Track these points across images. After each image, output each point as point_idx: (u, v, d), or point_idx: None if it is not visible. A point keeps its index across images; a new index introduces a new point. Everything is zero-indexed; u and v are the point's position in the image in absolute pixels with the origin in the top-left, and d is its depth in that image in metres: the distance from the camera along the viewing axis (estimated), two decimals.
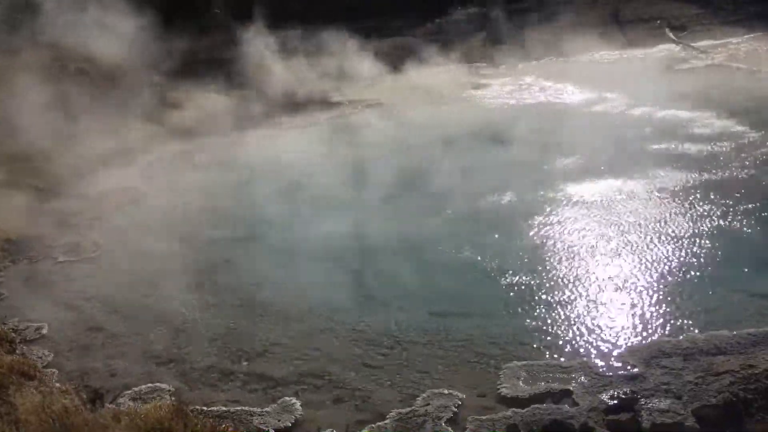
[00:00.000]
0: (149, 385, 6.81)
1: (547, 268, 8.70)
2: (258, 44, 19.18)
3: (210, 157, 14.69)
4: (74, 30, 16.08)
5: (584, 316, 7.61)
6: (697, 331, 7.07)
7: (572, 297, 8.00)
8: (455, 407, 6.22)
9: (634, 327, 7.32)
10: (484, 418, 6.06)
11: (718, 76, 18.12)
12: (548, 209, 10.45)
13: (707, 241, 9.00)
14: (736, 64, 19.16)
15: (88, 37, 16.28)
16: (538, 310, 7.77)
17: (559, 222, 9.98)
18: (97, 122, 14.63)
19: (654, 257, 8.72)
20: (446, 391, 6.43)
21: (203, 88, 18.10)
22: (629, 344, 7.00)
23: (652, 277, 8.28)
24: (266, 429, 6.13)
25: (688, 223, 9.58)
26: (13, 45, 15.55)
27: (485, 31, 22.75)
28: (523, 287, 8.28)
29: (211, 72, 18.85)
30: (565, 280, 8.38)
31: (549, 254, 9.06)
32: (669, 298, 7.77)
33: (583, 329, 7.35)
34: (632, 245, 9.08)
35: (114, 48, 16.40)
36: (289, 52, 19.53)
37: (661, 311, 7.56)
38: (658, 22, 24.59)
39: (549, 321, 7.54)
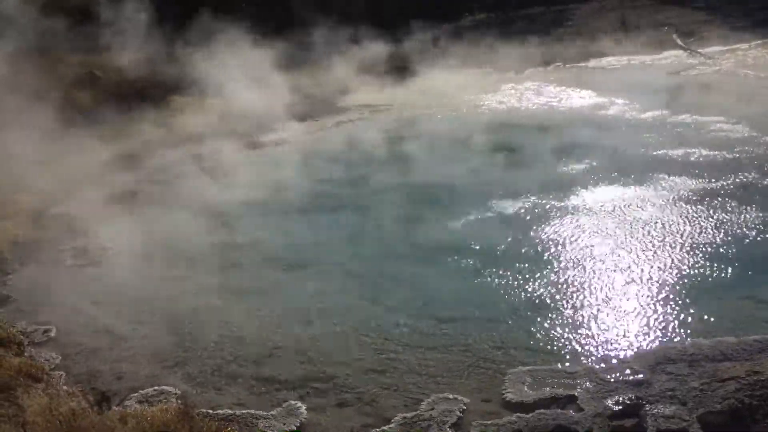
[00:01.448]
0: (156, 388, 6.85)
1: (554, 273, 8.70)
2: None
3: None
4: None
5: (590, 321, 7.61)
6: (702, 337, 7.07)
7: (578, 302, 8.00)
8: (460, 412, 6.23)
9: (640, 333, 7.32)
10: (488, 423, 6.07)
11: (727, 82, 18.10)
12: (555, 214, 10.46)
13: (715, 248, 8.99)
14: (744, 70, 19.14)
15: None
16: (543, 316, 7.77)
17: (565, 227, 9.98)
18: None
19: (661, 263, 8.72)
20: (451, 396, 6.44)
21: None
22: (635, 350, 7.01)
23: (658, 283, 8.28)
24: None
25: (695, 229, 9.58)
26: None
27: (492, 37, 22.78)
28: (529, 293, 8.29)
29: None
30: (571, 285, 8.39)
31: (555, 259, 9.06)
32: (675, 305, 7.77)
33: (589, 335, 7.36)
34: (639, 251, 9.08)
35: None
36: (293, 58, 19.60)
37: (666, 317, 7.55)
38: (666, 28, 24.61)
39: (555, 326, 7.55)
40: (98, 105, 16.08)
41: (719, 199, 10.53)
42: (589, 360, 6.91)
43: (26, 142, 12.94)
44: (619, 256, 9.01)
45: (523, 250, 9.37)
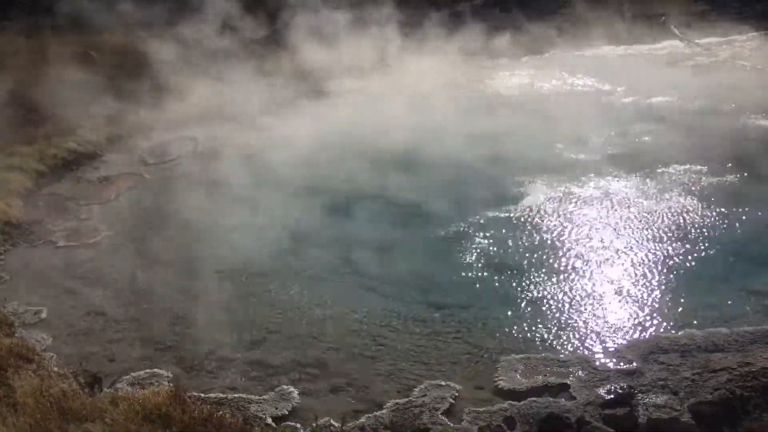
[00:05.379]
0: (148, 370, 6.83)
1: (548, 261, 8.71)
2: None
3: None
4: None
5: (583, 310, 7.62)
6: (695, 327, 7.09)
7: (572, 292, 8.01)
8: (452, 399, 6.25)
9: (633, 323, 7.34)
10: (480, 410, 6.09)
11: (724, 72, 18.07)
12: (551, 201, 10.45)
13: (708, 239, 9.00)
14: (741, 61, 19.11)
15: None
16: (537, 304, 7.78)
17: (560, 216, 9.97)
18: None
19: (654, 254, 8.73)
20: (443, 383, 6.45)
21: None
22: (627, 339, 7.03)
23: (651, 273, 8.29)
24: (263, 416, 6.15)
25: (689, 220, 9.58)
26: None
27: (487, 23, 22.59)
28: (523, 280, 8.29)
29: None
30: (565, 274, 8.40)
31: (550, 248, 9.06)
32: (668, 295, 7.79)
33: (582, 324, 7.37)
34: (633, 241, 9.09)
35: None
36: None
37: (659, 308, 7.57)
38: (663, 18, 24.50)
39: (548, 315, 7.55)
40: None
41: (714, 189, 10.54)
42: (582, 349, 6.92)
43: None
44: (612, 245, 9.02)
45: (517, 235, 9.38)
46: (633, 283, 8.12)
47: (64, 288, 8.56)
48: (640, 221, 9.64)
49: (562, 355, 6.80)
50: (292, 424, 6.07)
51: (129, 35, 17.27)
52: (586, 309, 7.65)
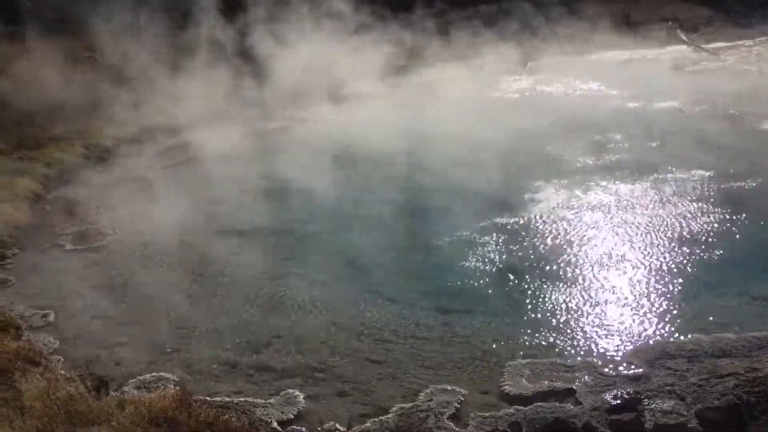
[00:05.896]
0: (154, 374, 6.84)
1: (554, 267, 8.69)
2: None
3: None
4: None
5: (589, 316, 7.61)
6: (702, 333, 7.05)
7: (578, 297, 8.00)
8: (458, 403, 6.23)
9: (639, 328, 7.32)
10: (486, 415, 6.07)
11: (730, 77, 18.05)
12: (556, 205, 10.45)
13: (714, 244, 8.98)
14: (747, 66, 19.09)
15: None
16: (543, 309, 7.76)
17: (565, 220, 9.96)
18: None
19: (661, 260, 8.71)
20: (449, 387, 6.44)
21: None
22: (634, 345, 7.00)
23: (658, 279, 8.27)
24: (269, 420, 6.15)
25: (695, 225, 9.56)
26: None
27: (490, 29, 22.61)
28: (529, 286, 8.28)
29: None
30: (571, 280, 8.38)
31: (556, 253, 9.05)
32: (674, 300, 7.77)
33: (588, 329, 7.35)
34: (638, 247, 9.07)
35: None
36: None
37: (666, 313, 7.55)
38: (669, 23, 24.49)
39: (554, 320, 7.54)
40: None
41: (721, 193, 10.51)
42: (588, 354, 6.91)
43: None
44: (617, 251, 9.00)
45: (521, 238, 9.39)
46: (639, 288, 8.10)
47: (71, 291, 8.59)
48: (646, 226, 9.62)
49: (568, 360, 6.77)
50: (298, 428, 6.08)
51: (132, 39, 17.35)
52: (592, 314, 7.63)
